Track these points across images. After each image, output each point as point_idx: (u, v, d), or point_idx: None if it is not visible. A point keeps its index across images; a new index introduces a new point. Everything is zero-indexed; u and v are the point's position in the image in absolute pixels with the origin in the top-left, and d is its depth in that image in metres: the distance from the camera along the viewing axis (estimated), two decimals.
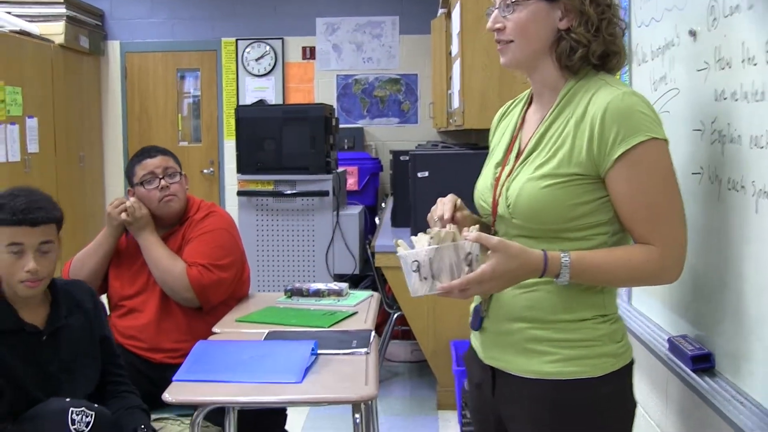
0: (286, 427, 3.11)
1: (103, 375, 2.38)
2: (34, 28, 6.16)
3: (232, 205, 6.57)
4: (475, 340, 1.87)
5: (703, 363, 1.76)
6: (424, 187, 4.06)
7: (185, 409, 2.57)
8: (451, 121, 5.11)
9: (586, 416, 1.65)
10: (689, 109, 1.90)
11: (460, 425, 3.74)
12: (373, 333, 2.62)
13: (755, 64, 1.54)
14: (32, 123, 5.88)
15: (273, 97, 7.53)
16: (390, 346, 5.08)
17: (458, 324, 3.89)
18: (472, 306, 1.84)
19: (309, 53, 7.56)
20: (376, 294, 3.24)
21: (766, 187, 1.51)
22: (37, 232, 2.15)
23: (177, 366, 2.35)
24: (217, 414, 2.34)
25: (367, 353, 2.43)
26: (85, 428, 2.12)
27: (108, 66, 7.62)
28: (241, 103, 7.40)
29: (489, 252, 1.52)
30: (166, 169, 3.02)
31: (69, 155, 6.72)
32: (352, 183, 6.19)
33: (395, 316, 4.76)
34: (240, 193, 5.03)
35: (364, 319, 2.87)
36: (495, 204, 1.75)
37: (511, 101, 1.94)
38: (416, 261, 1.55)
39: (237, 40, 7.57)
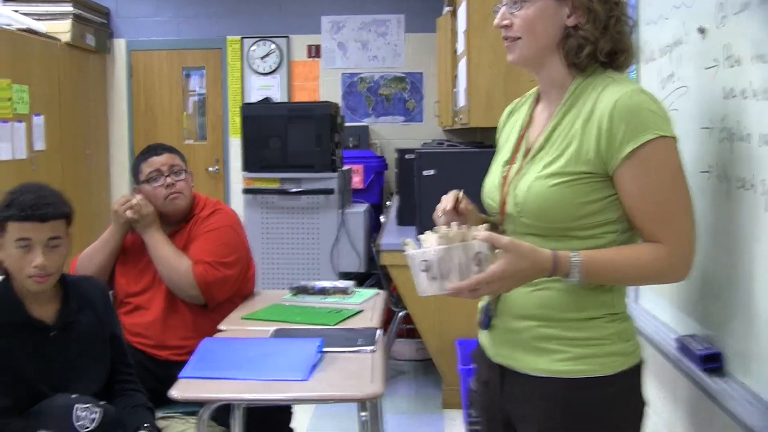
0: (292, 425, 3.11)
1: (112, 373, 2.38)
2: (41, 26, 6.16)
3: (237, 203, 6.57)
4: (483, 338, 1.86)
5: (713, 363, 1.75)
6: (430, 186, 4.04)
7: (190, 407, 2.56)
8: (456, 119, 5.10)
9: (596, 415, 1.65)
10: (698, 107, 1.89)
11: (466, 424, 3.73)
12: (379, 331, 2.61)
13: (765, 62, 1.53)
14: (39, 121, 5.89)
15: (278, 96, 7.52)
16: (395, 345, 5.07)
17: (464, 323, 3.88)
18: (480, 304, 1.83)
19: (314, 51, 7.56)
20: (382, 292, 3.24)
21: None
22: (46, 228, 2.16)
23: (183, 363, 2.35)
24: (221, 412, 2.33)
25: (373, 351, 2.43)
26: (90, 425, 2.12)
27: (114, 64, 7.62)
28: (246, 101, 7.40)
29: (498, 251, 1.51)
30: (172, 167, 3.02)
31: (75, 153, 6.72)
32: (357, 181, 6.19)
33: (400, 314, 4.75)
34: (245, 191, 5.03)
35: (370, 318, 2.86)
36: (503, 202, 1.75)
37: (519, 99, 1.93)
38: (425, 261, 1.53)
39: (242, 38, 7.57)
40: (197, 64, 7.73)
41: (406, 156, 4.84)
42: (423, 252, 1.54)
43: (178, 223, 3.04)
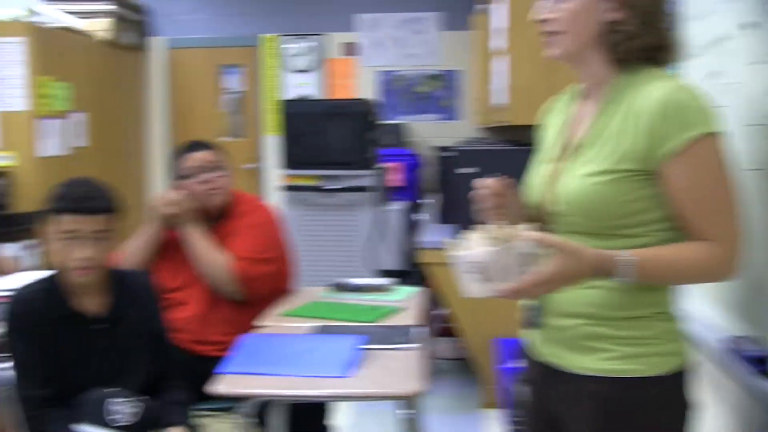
0: (331, 422, 3.11)
1: (154, 368, 2.39)
2: (82, 24, 6.23)
3: (273, 200, 6.60)
4: (528, 336, 1.85)
5: (763, 365, 1.72)
6: (471, 184, 4.02)
7: (224, 403, 2.56)
8: (494, 117, 5.07)
9: (642, 415, 1.63)
10: (745, 103, 1.86)
11: (507, 423, 3.70)
12: (422, 328, 2.61)
13: None
14: (79, 118, 5.96)
15: (314, 94, 7.54)
16: (434, 343, 5.06)
17: (503, 322, 3.85)
18: (525, 303, 1.82)
19: (350, 49, 7.56)
20: (425, 289, 3.22)
21: None
22: (93, 221, 2.18)
23: (220, 359, 2.37)
24: (256, 408, 2.34)
25: (415, 348, 2.42)
26: (124, 419, 2.14)
27: (152, 62, 7.69)
28: (281, 99, 7.41)
29: (549, 251, 1.50)
30: (212, 163, 3.03)
31: (114, 149, 6.79)
32: (393, 179, 6.18)
33: (439, 312, 4.74)
34: (283, 188, 5.04)
35: (412, 315, 2.86)
36: (547, 201, 1.73)
37: (560, 96, 1.91)
38: (475, 263, 1.51)
39: (279, 36, 7.60)
40: (234, 62, 7.77)
41: (446, 153, 4.82)
42: (472, 254, 1.52)
43: (216, 219, 3.06)
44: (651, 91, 1.58)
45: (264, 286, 2.95)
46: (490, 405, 4.21)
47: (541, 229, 1.65)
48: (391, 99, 7.52)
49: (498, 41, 4.63)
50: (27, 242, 4.60)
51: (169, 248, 3.03)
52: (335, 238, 4.96)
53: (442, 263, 3.92)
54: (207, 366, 2.58)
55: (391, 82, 7.54)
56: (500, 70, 4.60)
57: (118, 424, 2.14)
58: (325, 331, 2.62)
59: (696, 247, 1.57)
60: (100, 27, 6.49)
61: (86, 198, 2.19)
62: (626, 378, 1.62)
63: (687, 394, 1.68)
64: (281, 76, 7.62)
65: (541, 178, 1.78)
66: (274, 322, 2.80)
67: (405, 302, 3.03)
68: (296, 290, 3.22)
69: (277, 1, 7.57)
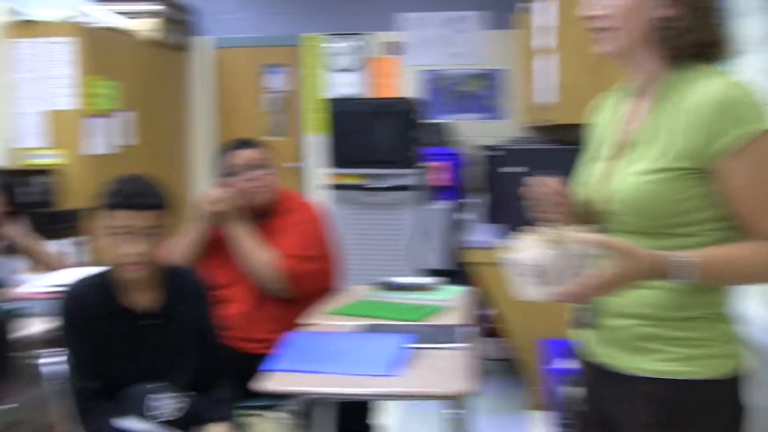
0: (374, 422, 3.11)
1: (203, 365, 2.41)
2: (129, 24, 6.31)
3: (315, 198, 6.61)
4: (580, 337, 1.82)
5: None
6: (519, 183, 3.98)
7: (268, 400, 2.56)
8: (540, 116, 5.03)
9: (697, 418, 1.60)
10: None
11: (554, 425, 3.67)
12: (469, 328, 2.59)
13: None
14: (126, 117, 6.03)
15: (357, 93, 7.54)
16: (481, 343, 5.03)
17: (551, 322, 3.80)
18: (578, 304, 1.80)
19: (394, 48, 7.55)
20: (472, 289, 3.21)
21: None
22: (144, 217, 2.21)
23: (266, 356, 2.37)
24: (304, 405, 2.34)
25: (464, 348, 2.41)
26: (167, 414, 2.16)
27: (197, 61, 7.75)
28: (324, 98, 7.43)
29: (606, 253, 1.47)
30: (258, 161, 3.05)
31: (159, 148, 6.87)
32: (437, 178, 6.15)
33: (484, 312, 4.71)
34: (329, 187, 5.05)
35: (459, 314, 2.84)
36: (599, 200, 1.71)
37: (609, 93, 1.89)
38: (532, 265, 1.49)
39: (322, 35, 7.62)
40: (277, 61, 7.80)
41: (492, 153, 4.79)
42: (530, 256, 1.49)
43: (262, 217, 3.07)
44: (704, 88, 1.56)
45: (310, 284, 2.96)
46: (535, 406, 4.17)
47: (593, 230, 1.63)
48: (434, 98, 7.50)
49: (544, 39, 4.59)
50: (74, 239, 4.67)
51: (216, 246, 3.05)
52: (379, 237, 4.96)
53: (489, 263, 3.91)
54: (252, 363, 2.58)
55: (435, 81, 7.52)
56: (545, 69, 4.56)
57: (162, 419, 2.16)
58: (373, 329, 2.61)
59: (755, 246, 1.54)
60: (147, 27, 6.57)
61: (139, 194, 2.22)
62: (681, 380, 1.59)
63: (742, 397, 1.65)
64: (323, 76, 7.64)
65: (593, 176, 1.76)
66: (320, 320, 2.80)
67: (451, 301, 3.02)
68: (341, 288, 3.22)
69: (319, 1, 7.60)
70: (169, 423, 2.18)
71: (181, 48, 7.40)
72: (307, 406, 2.35)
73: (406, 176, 4.91)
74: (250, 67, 7.82)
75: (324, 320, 2.79)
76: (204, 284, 2.50)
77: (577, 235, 1.48)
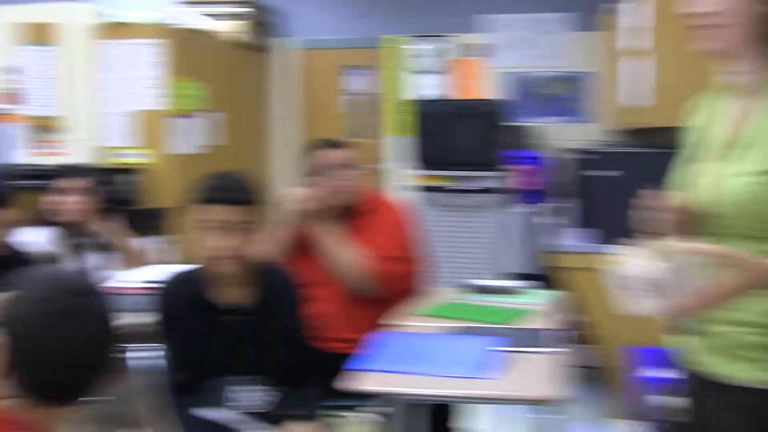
0: (456, 425, 3.07)
1: (291, 363, 2.40)
2: (217, 26, 6.41)
3: (402, 199, 6.60)
4: (679, 344, 1.76)
5: None
6: (612, 188, 3.89)
7: (352, 400, 2.53)
8: (632, 118, 4.91)
9: None
10: None
11: None
12: (561, 333, 2.54)
13: None
14: (212, 117, 6.13)
15: (439, 95, 7.50)
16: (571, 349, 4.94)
17: (638, 330, 3.69)
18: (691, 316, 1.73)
19: (477, 50, 7.50)
20: (562, 294, 3.15)
21: None
22: (238, 212, 2.22)
23: (350, 356, 2.35)
24: (398, 405, 2.31)
25: (557, 353, 2.35)
26: (253, 408, 2.17)
27: (280, 63, 7.84)
28: (409, 99, 7.42)
29: (719, 263, 1.41)
30: (345, 161, 3.04)
31: (243, 148, 6.96)
32: (521, 181, 6.08)
33: (573, 318, 4.61)
34: (408, 188, 5.03)
35: (551, 319, 2.79)
36: (704, 203, 1.65)
37: (707, 94, 1.82)
38: (646, 279, 1.44)
39: (404, 37, 7.61)
40: (357, 63, 7.83)
41: (582, 156, 4.69)
42: (644, 270, 1.45)
43: (348, 216, 3.06)
44: None
45: (398, 285, 2.95)
46: (623, 415, 4.06)
47: (698, 239, 1.57)
48: (519, 101, 7.42)
49: (636, 40, 4.48)
50: (158, 237, 4.76)
51: (303, 245, 3.05)
52: (462, 239, 4.93)
53: (581, 268, 3.83)
54: (337, 363, 2.58)
55: (519, 84, 7.44)
56: (635, 70, 4.45)
57: (244, 411, 2.17)
58: (465, 332, 2.58)
59: None
60: (234, 29, 6.67)
61: (232, 189, 2.24)
62: None
63: None
64: (404, 77, 7.63)
65: (698, 179, 1.69)
66: (406, 321, 2.78)
67: (538, 306, 2.97)
68: (427, 290, 3.18)
69: (401, 2, 7.60)
70: (255, 416, 2.17)
71: (265, 49, 7.49)
72: (393, 407, 2.32)
73: (490, 179, 4.86)
74: (332, 69, 7.87)
75: (411, 321, 2.76)
76: (294, 282, 2.49)
77: (690, 245, 1.43)
